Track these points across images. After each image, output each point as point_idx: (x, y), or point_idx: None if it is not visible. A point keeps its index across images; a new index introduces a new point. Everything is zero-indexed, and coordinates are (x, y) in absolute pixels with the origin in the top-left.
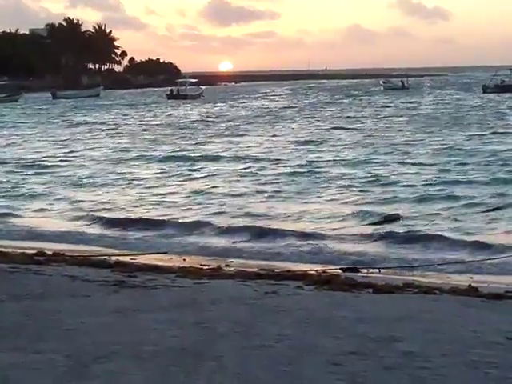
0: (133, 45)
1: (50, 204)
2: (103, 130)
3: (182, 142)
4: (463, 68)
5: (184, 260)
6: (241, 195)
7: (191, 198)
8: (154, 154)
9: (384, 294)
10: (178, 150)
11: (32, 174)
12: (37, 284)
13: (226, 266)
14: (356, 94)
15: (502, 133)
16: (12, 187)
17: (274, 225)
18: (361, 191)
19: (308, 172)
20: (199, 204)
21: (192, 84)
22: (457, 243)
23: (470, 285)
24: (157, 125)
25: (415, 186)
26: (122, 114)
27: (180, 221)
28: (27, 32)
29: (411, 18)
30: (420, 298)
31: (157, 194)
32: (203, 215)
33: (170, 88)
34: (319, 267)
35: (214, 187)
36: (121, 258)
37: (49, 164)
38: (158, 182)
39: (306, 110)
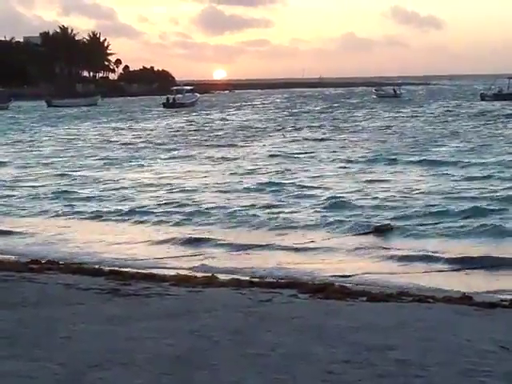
0: (126, 52)
1: None
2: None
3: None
4: (457, 76)
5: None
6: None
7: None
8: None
9: (378, 303)
10: None
11: None
12: (31, 292)
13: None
14: (345, 105)
15: None
16: None
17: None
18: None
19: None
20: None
21: (187, 92)
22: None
23: (464, 293)
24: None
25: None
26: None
27: None
28: (21, 40)
29: (405, 27)
30: (414, 307)
31: None
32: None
33: (166, 96)
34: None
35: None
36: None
37: None
38: None
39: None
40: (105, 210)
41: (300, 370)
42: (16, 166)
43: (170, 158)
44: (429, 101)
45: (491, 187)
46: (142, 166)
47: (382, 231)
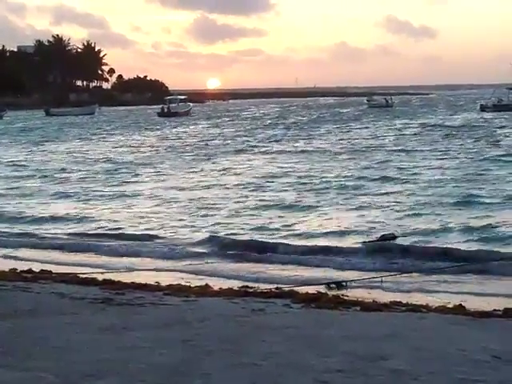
0: (119, 62)
1: None
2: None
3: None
4: (451, 86)
5: None
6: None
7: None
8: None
9: (371, 312)
10: None
11: None
12: (25, 301)
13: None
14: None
15: None
16: None
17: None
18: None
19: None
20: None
21: (181, 101)
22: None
23: (459, 304)
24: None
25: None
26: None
27: None
28: (14, 48)
29: (398, 36)
30: (407, 316)
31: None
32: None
33: (160, 106)
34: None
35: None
36: (108, 276)
37: None
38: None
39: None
40: None
41: (293, 379)
42: None
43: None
44: (422, 111)
45: None
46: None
47: (387, 239)
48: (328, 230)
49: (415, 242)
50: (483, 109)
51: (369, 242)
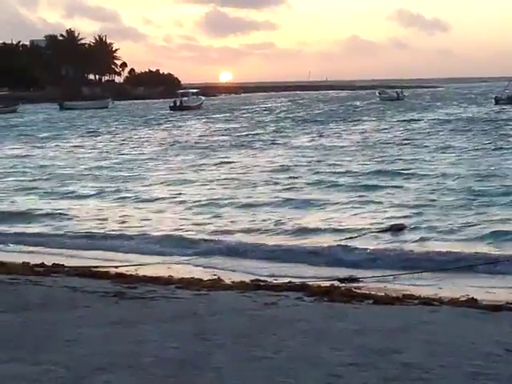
0: (131, 55)
1: None
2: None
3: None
4: (463, 79)
5: None
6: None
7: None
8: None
9: (384, 306)
10: None
11: None
12: (36, 295)
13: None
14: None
15: None
16: None
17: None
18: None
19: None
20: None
21: (192, 94)
22: None
23: (469, 296)
24: None
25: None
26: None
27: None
28: (26, 42)
29: (410, 30)
30: (419, 310)
31: None
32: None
33: (173, 99)
34: (319, 278)
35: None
36: (121, 270)
37: None
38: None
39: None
40: None
41: (305, 373)
42: None
43: None
44: (436, 104)
45: None
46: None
47: (397, 230)
48: (335, 227)
49: (425, 235)
50: (497, 101)
51: (378, 231)
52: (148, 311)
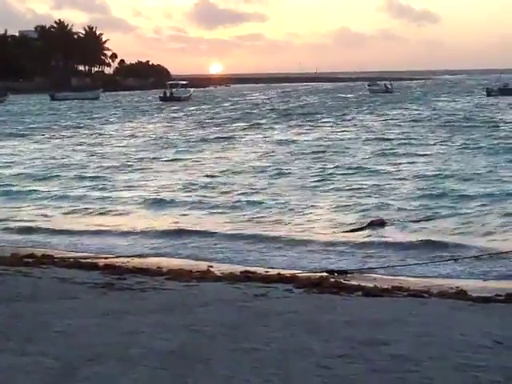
0: (121, 47)
1: None
2: None
3: None
4: (453, 71)
5: None
6: None
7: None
8: None
9: (373, 297)
10: None
11: None
12: (26, 286)
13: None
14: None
15: None
16: None
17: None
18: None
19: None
20: None
21: (182, 86)
22: None
23: (461, 289)
24: None
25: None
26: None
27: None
28: (15, 33)
29: (400, 21)
30: (409, 301)
31: None
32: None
33: (162, 90)
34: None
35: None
36: (110, 261)
37: None
38: None
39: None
40: None
41: (295, 364)
42: None
43: None
44: (425, 96)
45: None
46: None
47: (376, 225)
48: (323, 219)
49: (404, 229)
50: (489, 93)
51: (357, 229)
52: (137, 302)
